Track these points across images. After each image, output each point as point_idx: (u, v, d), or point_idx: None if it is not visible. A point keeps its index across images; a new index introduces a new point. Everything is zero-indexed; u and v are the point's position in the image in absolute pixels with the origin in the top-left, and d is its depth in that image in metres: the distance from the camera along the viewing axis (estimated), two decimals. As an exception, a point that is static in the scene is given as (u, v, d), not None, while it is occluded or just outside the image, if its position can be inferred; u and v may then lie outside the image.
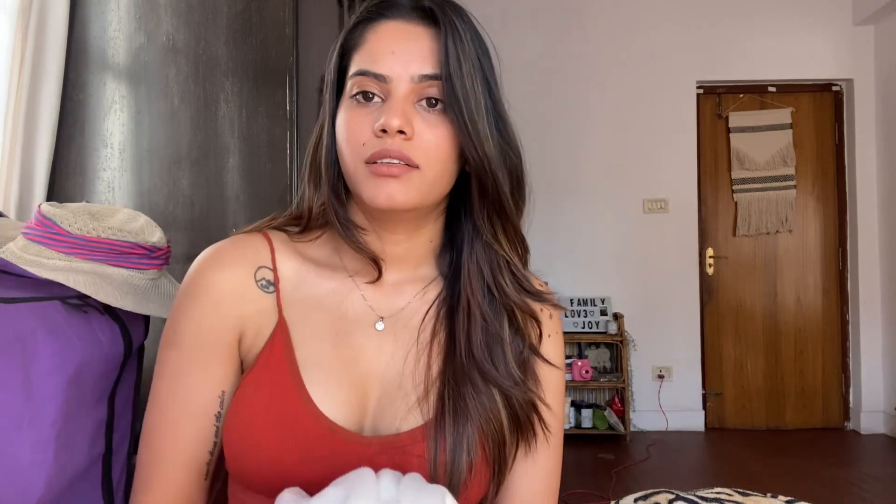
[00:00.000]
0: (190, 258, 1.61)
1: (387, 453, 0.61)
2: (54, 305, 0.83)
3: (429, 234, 0.71)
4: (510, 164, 0.67)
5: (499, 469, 0.65)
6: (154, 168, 1.55)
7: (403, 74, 0.62)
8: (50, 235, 0.89)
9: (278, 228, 0.72)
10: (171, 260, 1.24)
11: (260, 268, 0.67)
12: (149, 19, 1.57)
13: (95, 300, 0.88)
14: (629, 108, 4.12)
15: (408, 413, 0.64)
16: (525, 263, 0.72)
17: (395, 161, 0.60)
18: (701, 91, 4.19)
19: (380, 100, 0.63)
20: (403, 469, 0.54)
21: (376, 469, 0.51)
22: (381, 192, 0.61)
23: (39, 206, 0.93)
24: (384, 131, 0.60)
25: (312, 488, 0.54)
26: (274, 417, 0.60)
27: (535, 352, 0.70)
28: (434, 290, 0.71)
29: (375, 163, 0.61)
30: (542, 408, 0.68)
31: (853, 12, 4.06)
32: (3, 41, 1.43)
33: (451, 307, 0.69)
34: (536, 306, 0.71)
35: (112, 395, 0.88)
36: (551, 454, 0.71)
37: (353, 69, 0.64)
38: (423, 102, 0.63)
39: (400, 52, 0.62)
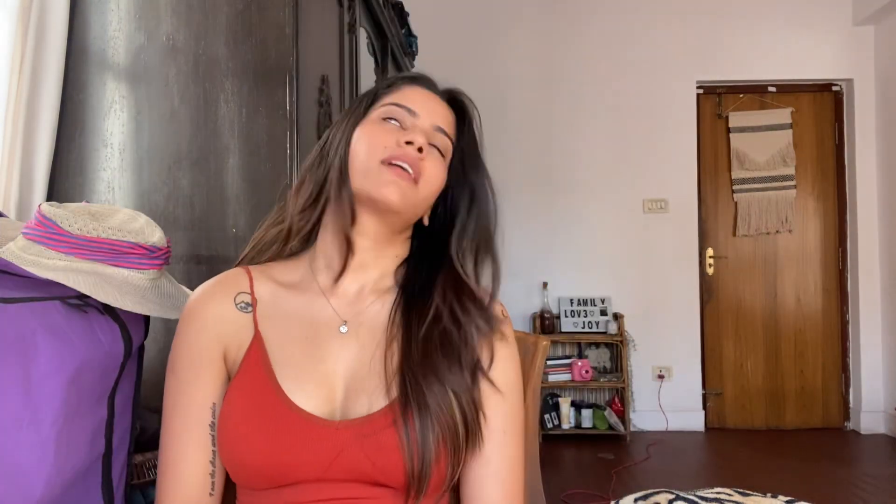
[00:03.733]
0: (190, 258, 1.61)
1: (356, 435, 0.70)
2: (54, 305, 0.83)
3: (396, 250, 0.85)
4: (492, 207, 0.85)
5: (455, 455, 0.73)
6: (154, 168, 1.55)
7: (427, 118, 0.81)
8: (50, 235, 0.89)
9: (258, 264, 0.86)
10: (171, 260, 1.24)
11: (239, 293, 0.81)
12: (149, 19, 1.57)
13: (95, 300, 0.88)
14: (629, 108, 4.12)
15: (375, 398, 0.74)
16: (497, 282, 0.84)
17: (408, 167, 0.76)
18: (701, 91, 4.19)
19: (403, 128, 0.80)
20: (377, 446, 0.69)
21: (349, 448, 0.68)
22: (387, 185, 0.76)
23: (39, 206, 0.93)
24: (409, 143, 0.77)
25: (290, 470, 0.69)
26: (256, 412, 0.72)
27: (483, 371, 0.78)
28: (391, 297, 0.83)
29: (391, 164, 0.76)
30: (481, 418, 0.76)
31: (853, 12, 4.06)
32: (3, 41, 1.43)
33: (407, 312, 0.80)
34: (490, 330, 0.81)
35: (112, 395, 0.88)
36: (506, 457, 0.77)
37: (386, 101, 0.82)
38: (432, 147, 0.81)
39: (429, 107, 0.83)
